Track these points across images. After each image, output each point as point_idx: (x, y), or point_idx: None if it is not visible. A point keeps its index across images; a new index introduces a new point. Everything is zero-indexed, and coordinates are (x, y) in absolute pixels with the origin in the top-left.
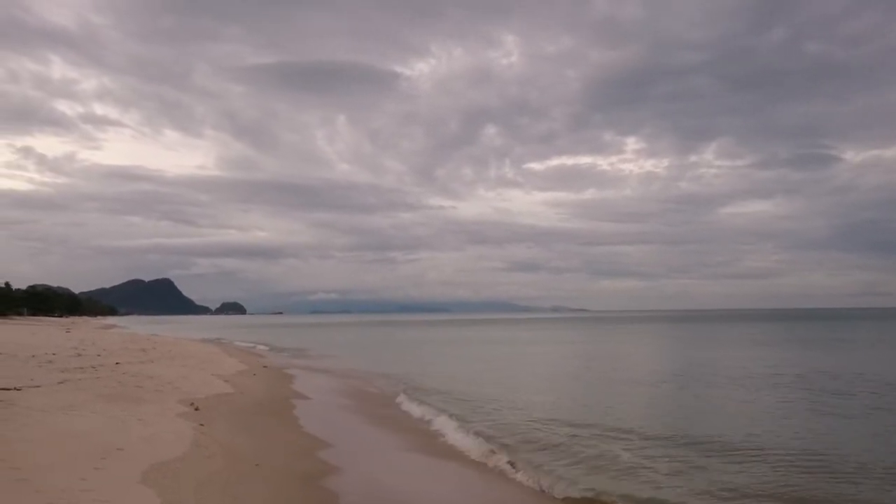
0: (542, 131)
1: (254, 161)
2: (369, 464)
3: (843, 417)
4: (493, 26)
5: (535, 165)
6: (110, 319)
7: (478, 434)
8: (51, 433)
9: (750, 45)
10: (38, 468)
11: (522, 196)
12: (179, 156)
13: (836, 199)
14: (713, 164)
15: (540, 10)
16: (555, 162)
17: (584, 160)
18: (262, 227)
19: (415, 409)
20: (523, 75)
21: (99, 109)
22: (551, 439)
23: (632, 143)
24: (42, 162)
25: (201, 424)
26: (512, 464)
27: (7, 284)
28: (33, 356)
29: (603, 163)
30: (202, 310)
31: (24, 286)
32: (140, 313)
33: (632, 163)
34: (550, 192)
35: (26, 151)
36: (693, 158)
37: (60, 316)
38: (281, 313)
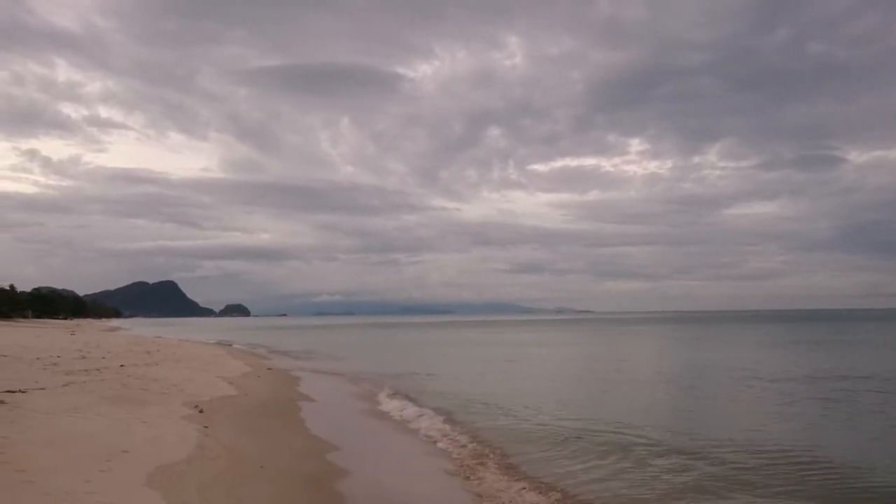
0: (545, 133)
1: (258, 163)
2: (377, 466)
3: (850, 418)
4: (497, 28)
5: (539, 167)
6: (115, 322)
7: (478, 435)
8: (56, 435)
9: (753, 45)
10: (44, 470)
11: (526, 197)
12: (184, 158)
13: (840, 200)
14: (717, 165)
15: (543, 12)
16: (558, 163)
17: (588, 161)
18: (266, 229)
19: (421, 413)
20: (526, 77)
21: (103, 112)
22: (552, 440)
23: (635, 144)
24: (47, 164)
25: (206, 427)
26: (513, 466)
27: (12, 287)
28: (38, 358)
29: (606, 164)
30: (206, 312)
31: (28, 288)
32: (144, 315)
33: (635, 164)
34: (554, 194)
35: (31, 154)
36: (697, 159)
37: (65, 318)
38: (285, 315)
